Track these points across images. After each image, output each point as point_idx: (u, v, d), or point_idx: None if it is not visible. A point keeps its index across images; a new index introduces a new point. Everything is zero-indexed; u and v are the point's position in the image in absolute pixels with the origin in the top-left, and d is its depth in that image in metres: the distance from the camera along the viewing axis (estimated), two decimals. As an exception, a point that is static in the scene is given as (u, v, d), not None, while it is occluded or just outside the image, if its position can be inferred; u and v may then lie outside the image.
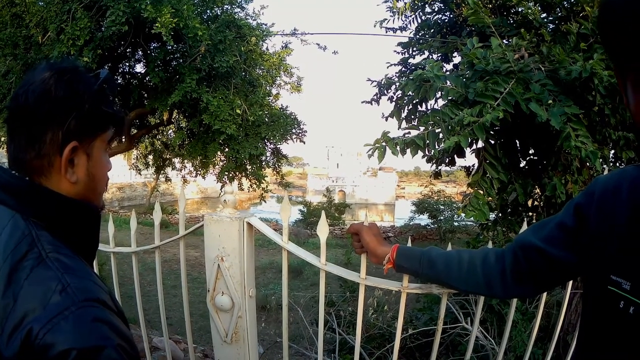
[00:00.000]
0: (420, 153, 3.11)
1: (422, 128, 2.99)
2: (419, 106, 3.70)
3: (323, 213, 2.20)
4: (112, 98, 1.17)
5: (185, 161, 12.01)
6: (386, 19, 5.04)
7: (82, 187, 1.11)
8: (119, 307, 1.03)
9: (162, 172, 13.31)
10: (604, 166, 3.45)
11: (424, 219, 27.53)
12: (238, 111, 7.90)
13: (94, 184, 1.15)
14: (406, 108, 3.77)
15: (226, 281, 2.26)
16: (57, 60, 1.16)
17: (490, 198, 3.36)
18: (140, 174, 15.16)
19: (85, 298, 0.92)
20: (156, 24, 6.61)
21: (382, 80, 4.40)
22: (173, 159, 12.80)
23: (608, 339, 1.10)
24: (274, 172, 10.89)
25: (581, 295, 1.49)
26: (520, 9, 3.85)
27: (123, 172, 42.49)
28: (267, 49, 9.28)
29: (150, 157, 13.32)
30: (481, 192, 3.18)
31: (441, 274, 1.65)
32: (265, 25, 8.95)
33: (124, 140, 10.40)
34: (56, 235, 1.04)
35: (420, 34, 5.04)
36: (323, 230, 2.09)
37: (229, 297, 2.28)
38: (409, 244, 1.91)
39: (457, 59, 4.52)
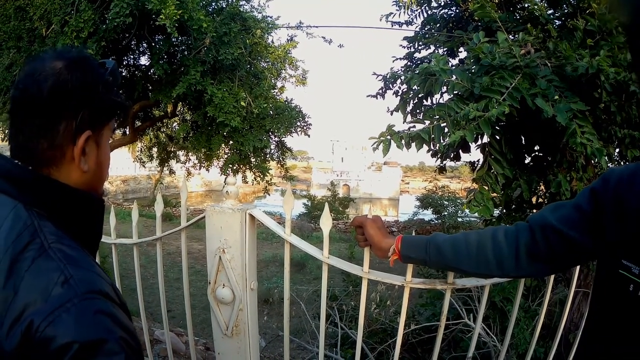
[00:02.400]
0: (425, 147, 3.09)
1: (427, 122, 2.97)
2: (424, 100, 3.68)
3: (326, 205, 2.19)
4: (118, 86, 1.18)
5: (190, 154, 12.00)
6: (392, 13, 5.01)
7: (91, 175, 1.12)
8: (122, 299, 1.02)
9: (166, 164, 13.30)
10: (610, 164, 3.44)
11: (428, 214, 27.50)
12: (242, 103, 7.89)
13: (101, 172, 1.16)
14: (411, 102, 3.75)
15: (227, 273, 2.25)
16: (64, 49, 1.16)
17: (494, 194, 3.35)
18: (144, 167, 15.13)
19: (87, 290, 0.91)
20: (161, 16, 6.59)
21: (387, 74, 4.37)
22: (177, 152, 12.79)
23: (616, 322, 1.14)
24: (278, 165, 10.87)
25: (592, 282, 1.51)
26: (526, 5, 3.82)
27: (127, 165, 42.50)
28: (272, 41, 9.26)
29: (155, 149, 13.31)
30: (486, 187, 3.16)
31: (449, 260, 1.63)
32: (271, 17, 8.94)
33: (127, 132, 10.41)
34: (59, 225, 1.03)
35: (426, 29, 5.01)
36: (326, 222, 2.07)
37: (230, 290, 2.27)
38: None
39: (463, 53, 4.50)
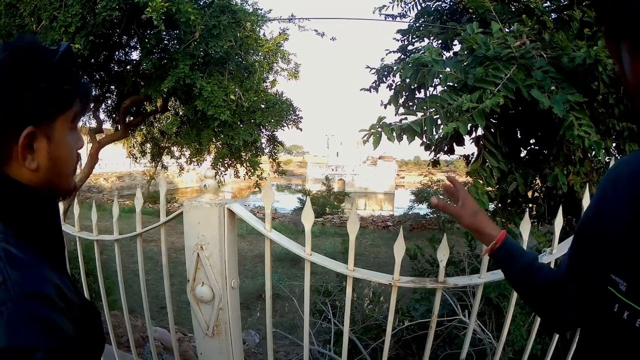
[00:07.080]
0: (418, 141, 3.03)
1: (419, 114, 2.90)
2: (416, 92, 3.61)
3: (308, 199, 2.12)
4: (73, 72, 1.08)
5: (183, 149, 11.94)
6: (385, 6, 4.96)
7: (45, 172, 1.04)
8: (71, 301, 0.96)
9: (158, 160, 13.22)
10: (608, 158, 3.37)
11: (423, 209, 27.61)
12: (232, 97, 7.83)
13: (59, 167, 1.07)
14: (404, 94, 3.68)
15: (206, 271, 2.18)
16: (14, 40, 1.07)
17: (489, 188, 3.28)
18: (138, 163, 15.07)
19: (23, 292, 0.86)
20: (147, 9, 6.53)
21: (380, 67, 4.31)
22: (170, 147, 12.71)
23: (602, 342, 1.03)
24: (270, 159, 10.81)
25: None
26: (522, -4, 3.76)
27: (122, 161, 42.36)
28: (263, 34, 9.18)
29: (147, 145, 13.23)
30: (480, 181, 3.09)
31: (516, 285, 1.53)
32: (262, 10, 8.87)
33: (119, 128, 10.34)
34: (8, 224, 0.98)
35: (420, 21, 4.96)
36: (308, 217, 2.00)
37: (209, 288, 2.20)
38: (401, 234, 1.79)
39: (457, 46, 4.44)
